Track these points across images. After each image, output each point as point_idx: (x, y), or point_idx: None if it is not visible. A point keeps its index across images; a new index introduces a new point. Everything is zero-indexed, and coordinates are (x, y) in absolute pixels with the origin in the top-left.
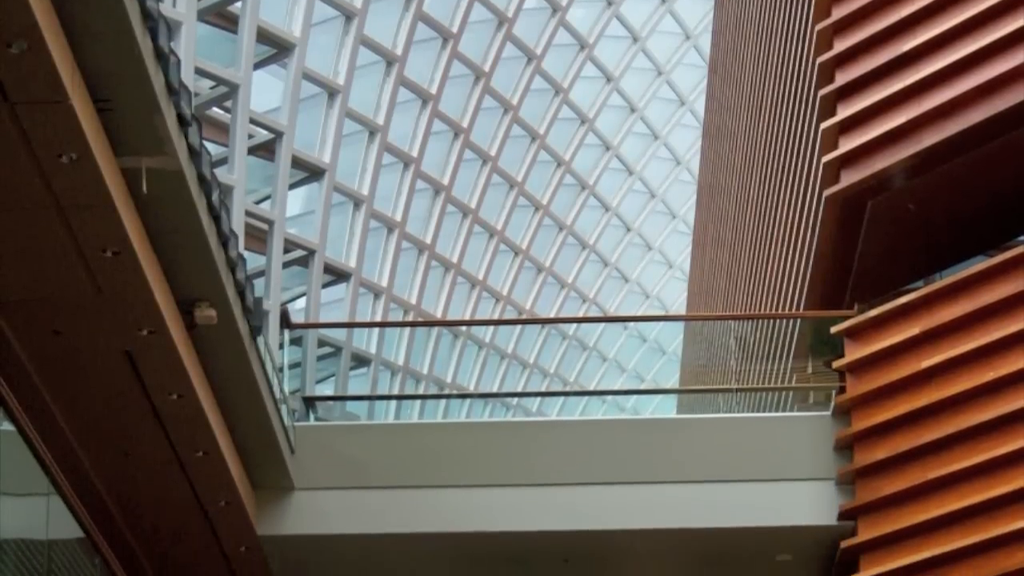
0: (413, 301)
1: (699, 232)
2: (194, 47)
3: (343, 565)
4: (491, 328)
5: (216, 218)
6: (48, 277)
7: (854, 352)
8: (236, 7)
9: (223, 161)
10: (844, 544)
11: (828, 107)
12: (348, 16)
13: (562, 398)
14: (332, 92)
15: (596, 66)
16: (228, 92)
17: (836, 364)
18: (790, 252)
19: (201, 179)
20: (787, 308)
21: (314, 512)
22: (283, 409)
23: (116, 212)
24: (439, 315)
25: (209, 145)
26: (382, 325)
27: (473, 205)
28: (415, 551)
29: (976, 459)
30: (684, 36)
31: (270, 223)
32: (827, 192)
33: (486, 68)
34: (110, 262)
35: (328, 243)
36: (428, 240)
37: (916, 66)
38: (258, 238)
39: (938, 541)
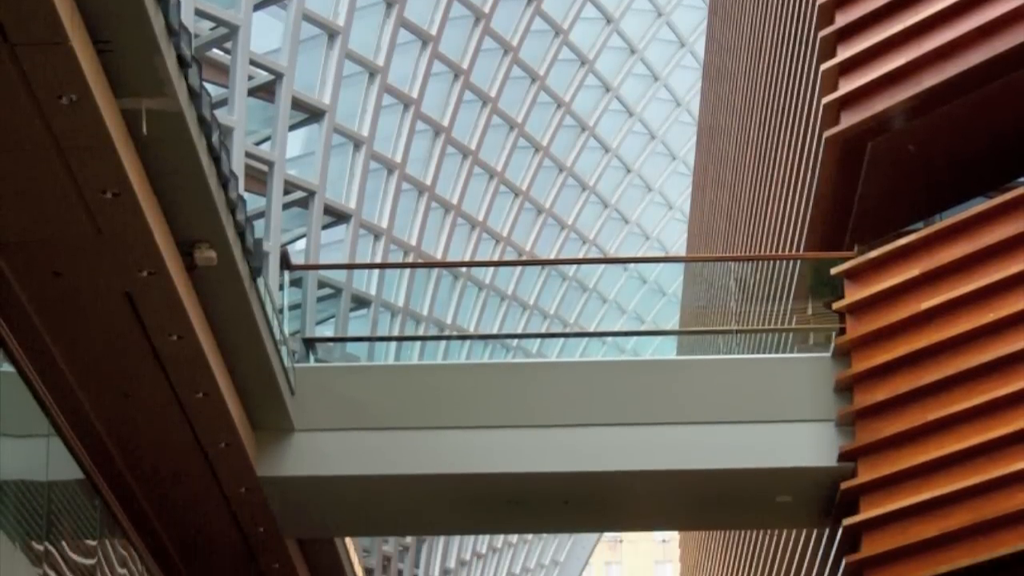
0: (413, 242)
1: (699, 173)
2: None
3: (343, 506)
4: (491, 269)
5: (216, 159)
6: (48, 218)
7: (854, 293)
8: None
9: (223, 102)
10: (844, 485)
11: (828, 48)
12: None
13: (562, 339)
14: (332, 33)
15: (596, 7)
16: (228, 33)
17: (836, 305)
18: (790, 193)
19: (201, 120)
20: (787, 249)
21: (314, 453)
22: (283, 350)
23: (116, 153)
24: (439, 256)
25: (209, 86)
26: (382, 267)
27: (473, 146)
28: (415, 492)
29: (976, 400)
30: None
31: (270, 164)
32: (827, 133)
33: (486, 9)
34: (110, 203)
35: (328, 184)
36: (428, 181)
37: (916, 7)
38: (258, 179)
39: (938, 482)
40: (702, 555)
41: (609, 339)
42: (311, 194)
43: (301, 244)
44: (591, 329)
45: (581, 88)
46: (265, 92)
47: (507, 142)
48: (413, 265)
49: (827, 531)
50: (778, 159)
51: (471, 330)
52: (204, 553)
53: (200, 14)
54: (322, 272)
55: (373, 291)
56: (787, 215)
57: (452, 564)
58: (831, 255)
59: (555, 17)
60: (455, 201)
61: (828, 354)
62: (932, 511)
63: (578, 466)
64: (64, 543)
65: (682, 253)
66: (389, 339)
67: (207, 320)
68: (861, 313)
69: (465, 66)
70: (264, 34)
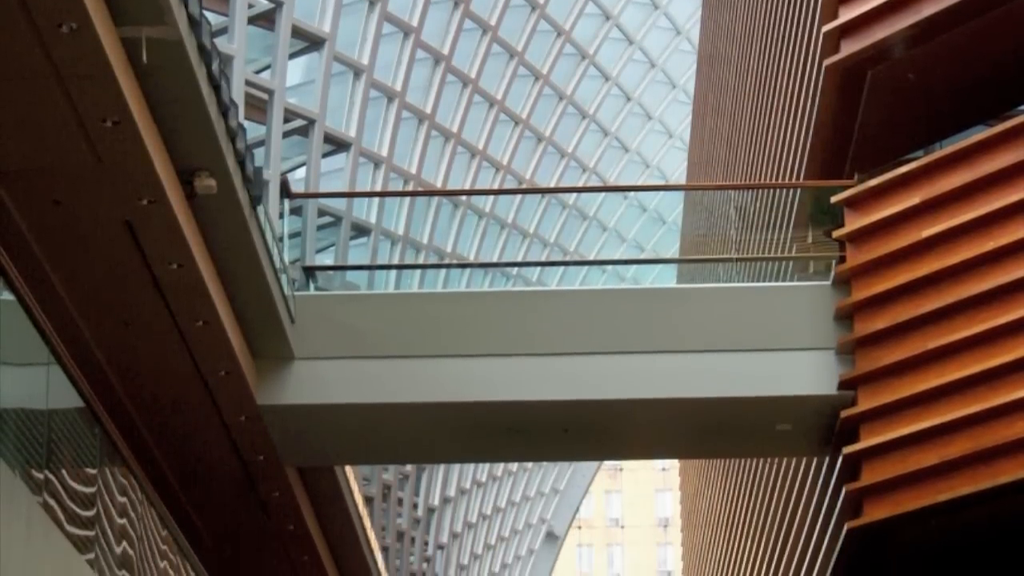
0: (413, 171)
1: (699, 102)
2: None
3: (343, 434)
4: (491, 198)
5: (216, 88)
6: (48, 147)
7: (854, 222)
8: None
9: (223, 31)
10: (844, 414)
11: None
12: None
13: (562, 268)
14: None
15: None
16: None
17: (836, 234)
18: (790, 121)
19: (201, 49)
20: (787, 178)
21: (314, 381)
22: (283, 279)
23: (116, 82)
24: (439, 185)
25: (209, 15)
26: (382, 195)
27: (473, 75)
28: (415, 420)
29: (976, 328)
30: None
31: (270, 93)
32: (827, 61)
33: None
34: (110, 132)
35: (328, 113)
36: (428, 110)
37: None
38: (258, 108)
39: (938, 410)
40: (702, 483)
41: (609, 267)
42: (311, 122)
43: (301, 172)
44: (591, 257)
45: (581, 16)
46: (265, 20)
47: (507, 70)
48: (413, 193)
49: (827, 459)
50: (778, 87)
51: (471, 258)
52: (204, 481)
53: None
54: (322, 200)
55: (373, 219)
56: (787, 143)
57: (452, 492)
58: (831, 183)
59: None
60: (455, 129)
61: (828, 282)
62: (932, 439)
63: (578, 394)
64: (64, 471)
65: (682, 181)
66: (389, 267)
67: (207, 248)
68: (861, 241)
69: None
70: None
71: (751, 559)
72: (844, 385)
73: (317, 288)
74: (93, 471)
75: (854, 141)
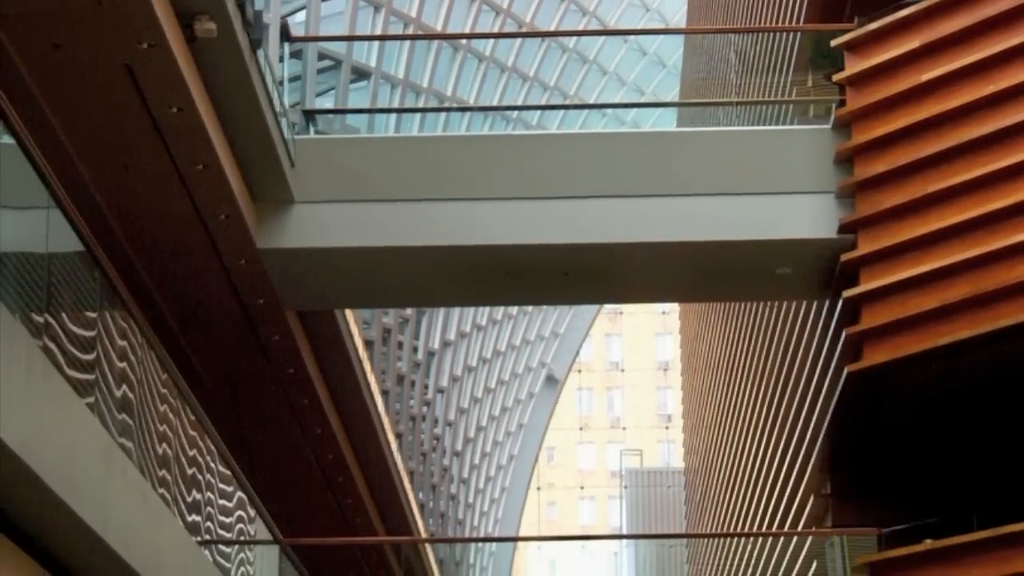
0: (413, 14)
1: None
2: None
3: (342, 278)
4: (491, 41)
5: None
6: None
7: (854, 65)
8: None
9: None
10: (844, 257)
11: None
12: None
13: (562, 111)
14: None
15: None
16: None
17: (836, 77)
18: None
19: None
20: (788, 21)
21: (314, 225)
22: (283, 122)
23: None
24: (439, 28)
25: None
26: (382, 38)
27: None
28: (415, 264)
29: (976, 172)
30: None
31: None
32: None
33: None
34: None
35: None
36: None
37: None
38: None
39: (938, 254)
40: (702, 327)
41: (609, 111)
42: None
43: (301, 16)
44: (591, 101)
45: None
46: None
47: None
48: (413, 37)
49: (827, 303)
50: None
51: (471, 102)
52: (204, 325)
53: None
54: (322, 44)
55: (373, 63)
56: None
57: (452, 336)
58: (831, 27)
59: None
60: None
61: (828, 126)
62: (932, 283)
63: (578, 238)
64: (64, 315)
65: (682, 24)
66: (389, 111)
67: (207, 92)
68: (861, 85)
69: None
70: None
71: (751, 402)
72: (844, 229)
73: (317, 132)
74: (93, 315)
75: None
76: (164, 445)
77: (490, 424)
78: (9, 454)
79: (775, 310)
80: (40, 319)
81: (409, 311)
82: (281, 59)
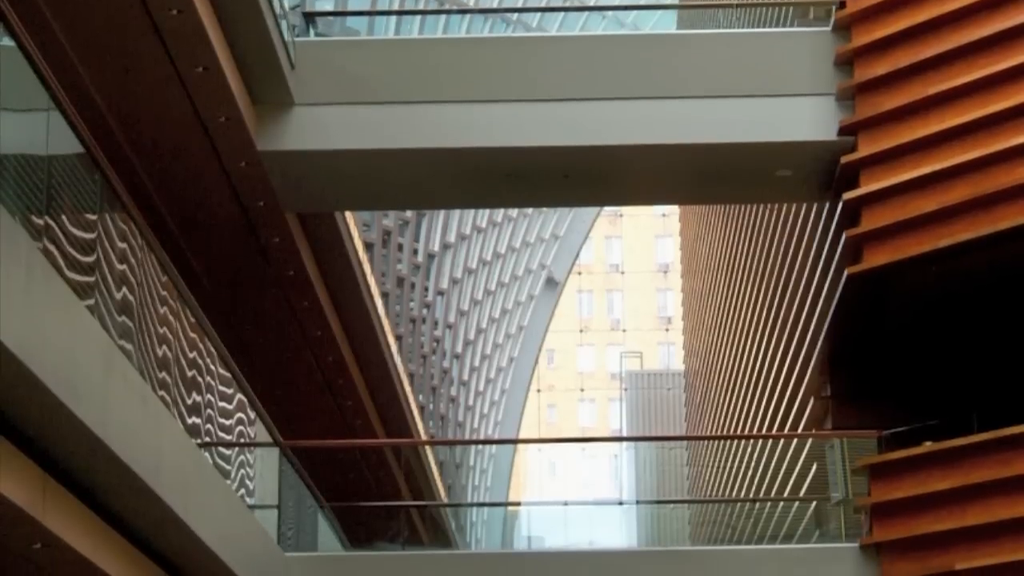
0: None
1: None
2: None
3: (343, 180)
4: None
5: None
6: None
7: None
8: None
9: None
10: (844, 159)
11: None
12: None
13: (562, 13)
14: None
15: None
16: None
17: None
18: None
19: None
20: None
21: (314, 127)
22: (283, 24)
23: None
24: None
25: None
26: None
27: None
28: (415, 166)
29: (977, 74)
30: None
31: None
32: None
33: None
34: None
35: None
36: None
37: None
38: None
39: (938, 156)
40: (702, 229)
41: (609, 13)
42: None
43: None
44: (591, 3)
45: None
46: None
47: None
48: None
49: (827, 205)
50: None
51: (471, 4)
52: (204, 227)
53: None
54: None
55: None
56: None
57: (452, 238)
58: None
59: None
60: None
61: (828, 28)
62: (932, 185)
63: (578, 140)
64: (64, 217)
65: None
66: (389, 13)
67: None
68: None
69: None
70: None
71: (751, 305)
72: (844, 131)
73: (317, 34)
74: (93, 217)
75: None
76: (164, 347)
77: (490, 326)
78: (9, 356)
79: (775, 212)
80: (40, 221)
81: (409, 213)
82: None
